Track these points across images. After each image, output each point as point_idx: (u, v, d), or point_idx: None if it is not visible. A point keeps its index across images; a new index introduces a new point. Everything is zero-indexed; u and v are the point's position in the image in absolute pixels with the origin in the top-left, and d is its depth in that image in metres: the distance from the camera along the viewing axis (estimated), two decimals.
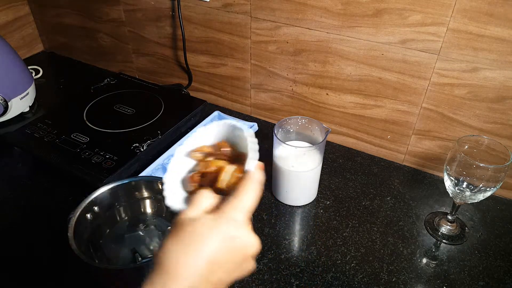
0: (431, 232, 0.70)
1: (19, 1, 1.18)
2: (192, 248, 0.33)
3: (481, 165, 0.59)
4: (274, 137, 0.69)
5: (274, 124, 0.71)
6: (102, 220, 0.57)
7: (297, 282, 0.62)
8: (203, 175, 0.42)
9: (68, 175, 0.77)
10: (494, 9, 0.62)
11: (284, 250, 0.67)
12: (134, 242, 0.62)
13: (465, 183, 0.63)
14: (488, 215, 0.74)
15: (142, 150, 0.80)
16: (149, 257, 0.60)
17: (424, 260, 0.65)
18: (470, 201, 0.64)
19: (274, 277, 0.62)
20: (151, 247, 0.62)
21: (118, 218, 0.59)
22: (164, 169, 0.78)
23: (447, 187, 0.66)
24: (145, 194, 0.59)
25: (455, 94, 0.72)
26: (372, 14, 0.72)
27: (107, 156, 0.77)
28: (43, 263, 0.64)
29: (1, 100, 0.89)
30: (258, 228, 0.70)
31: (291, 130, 0.75)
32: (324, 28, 0.78)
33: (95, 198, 0.55)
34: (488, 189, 0.61)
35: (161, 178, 0.59)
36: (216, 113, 0.94)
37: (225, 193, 0.39)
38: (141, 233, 0.62)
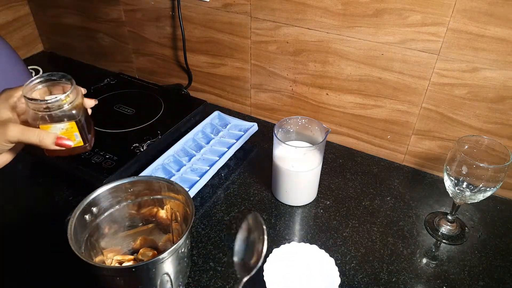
0: (431, 232, 0.70)
1: (19, 1, 1.18)
2: None
3: (481, 165, 0.59)
4: (274, 137, 0.69)
5: (274, 124, 0.71)
6: (101, 220, 0.57)
7: None
8: None
9: (68, 175, 0.77)
10: (494, 9, 0.62)
11: None
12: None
13: (465, 183, 0.63)
14: (488, 215, 0.74)
15: (142, 150, 0.80)
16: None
17: (424, 260, 0.65)
18: (470, 201, 0.64)
19: None
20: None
21: (117, 218, 0.59)
22: (164, 169, 0.78)
23: (447, 187, 0.66)
24: (145, 194, 0.59)
25: (455, 94, 0.72)
26: (372, 14, 0.72)
27: (107, 156, 0.77)
28: (43, 263, 0.64)
29: None
30: None
31: (291, 130, 0.75)
32: (324, 28, 0.78)
33: (94, 198, 0.55)
34: (488, 189, 0.61)
35: (161, 178, 0.59)
36: (216, 113, 0.94)
37: None
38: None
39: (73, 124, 0.47)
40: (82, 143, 0.49)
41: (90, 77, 1.15)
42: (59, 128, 0.47)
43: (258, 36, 0.87)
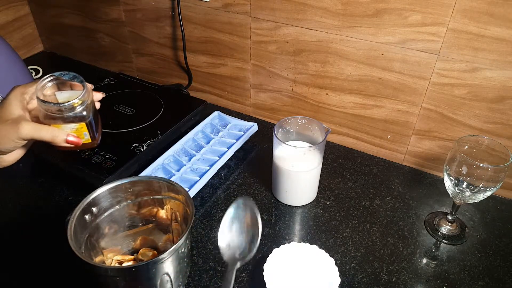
0: (431, 232, 0.70)
1: (19, 1, 1.18)
2: None
3: (481, 165, 0.59)
4: (274, 137, 0.69)
5: (274, 124, 0.71)
6: (101, 220, 0.57)
7: None
8: None
9: (68, 175, 0.77)
10: (494, 9, 0.62)
11: None
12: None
13: (465, 183, 0.63)
14: (488, 215, 0.74)
15: (142, 150, 0.80)
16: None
17: (424, 260, 0.65)
18: (470, 201, 0.64)
19: None
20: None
21: (117, 218, 0.59)
22: (164, 169, 0.78)
23: (447, 187, 0.66)
24: (145, 194, 0.59)
25: (455, 94, 0.72)
26: (372, 14, 0.72)
27: (107, 156, 0.77)
28: (42, 263, 0.64)
29: (1, 100, 0.89)
30: None
31: (291, 130, 0.75)
32: (324, 28, 0.78)
33: (94, 198, 0.55)
34: (488, 189, 0.61)
35: (161, 178, 0.59)
36: (216, 113, 0.94)
37: None
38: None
39: (83, 124, 0.50)
40: (90, 140, 0.52)
41: (90, 77, 1.14)
42: (69, 127, 0.49)
43: (258, 36, 0.87)
